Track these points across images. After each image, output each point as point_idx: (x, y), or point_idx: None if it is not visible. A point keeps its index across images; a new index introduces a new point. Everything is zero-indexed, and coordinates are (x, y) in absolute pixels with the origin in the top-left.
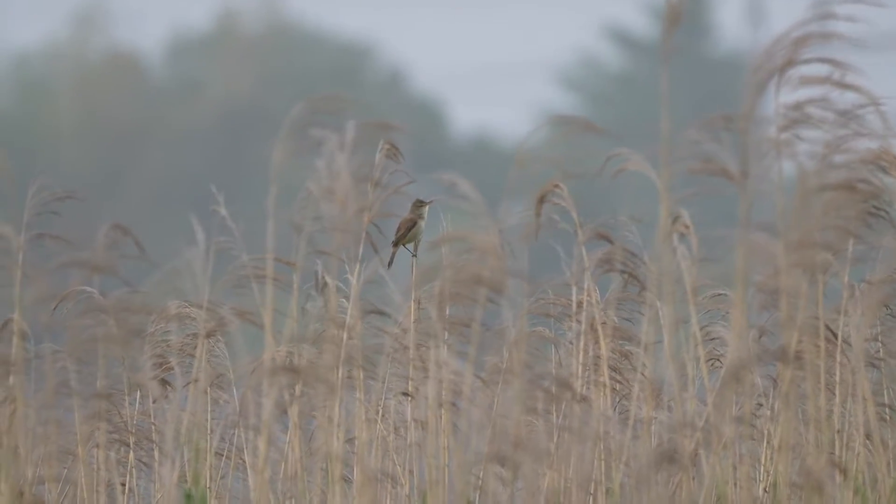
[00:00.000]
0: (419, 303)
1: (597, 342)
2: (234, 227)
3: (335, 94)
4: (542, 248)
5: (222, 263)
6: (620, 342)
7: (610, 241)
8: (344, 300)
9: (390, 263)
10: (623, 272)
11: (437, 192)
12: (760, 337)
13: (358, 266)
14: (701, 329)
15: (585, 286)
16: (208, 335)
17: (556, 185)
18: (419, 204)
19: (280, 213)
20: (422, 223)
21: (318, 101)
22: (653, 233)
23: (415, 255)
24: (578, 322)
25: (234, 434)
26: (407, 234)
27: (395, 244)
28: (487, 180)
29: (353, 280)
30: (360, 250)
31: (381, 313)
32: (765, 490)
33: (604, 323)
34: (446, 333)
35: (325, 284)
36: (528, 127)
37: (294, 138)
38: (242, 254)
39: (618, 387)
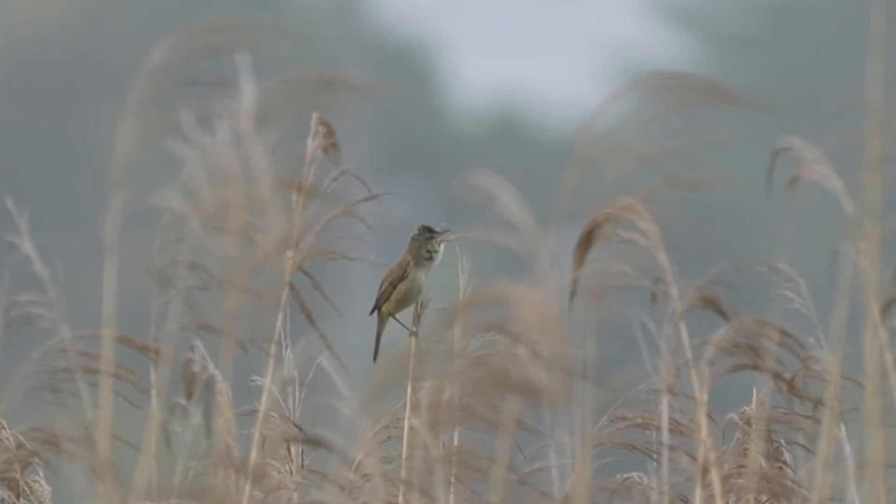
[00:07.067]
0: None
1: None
2: (49, 275)
3: (231, 21)
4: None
5: (20, 343)
6: None
7: (722, 316)
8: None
9: (376, 354)
10: (775, 375)
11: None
12: None
13: (273, 354)
14: None
15: (699, 395)
16: None
17: (629, 208)
18: (425, 235)
19: (129, 250)
20: (420, 274)
21: (200, 33)
22: (829, 299)
23: (414, 332)
24: (675, 462)
25: None
26: (394, 291)
27: (380, 311)
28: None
29: (267, 381)
30: (279, 323)
31: (318, 444)
32: None
33: (740, 468)
34: (450, 479)
35: (209, 389)
36: (597, 93)
37: (153, 107)
38: (62, 326)
39: None
